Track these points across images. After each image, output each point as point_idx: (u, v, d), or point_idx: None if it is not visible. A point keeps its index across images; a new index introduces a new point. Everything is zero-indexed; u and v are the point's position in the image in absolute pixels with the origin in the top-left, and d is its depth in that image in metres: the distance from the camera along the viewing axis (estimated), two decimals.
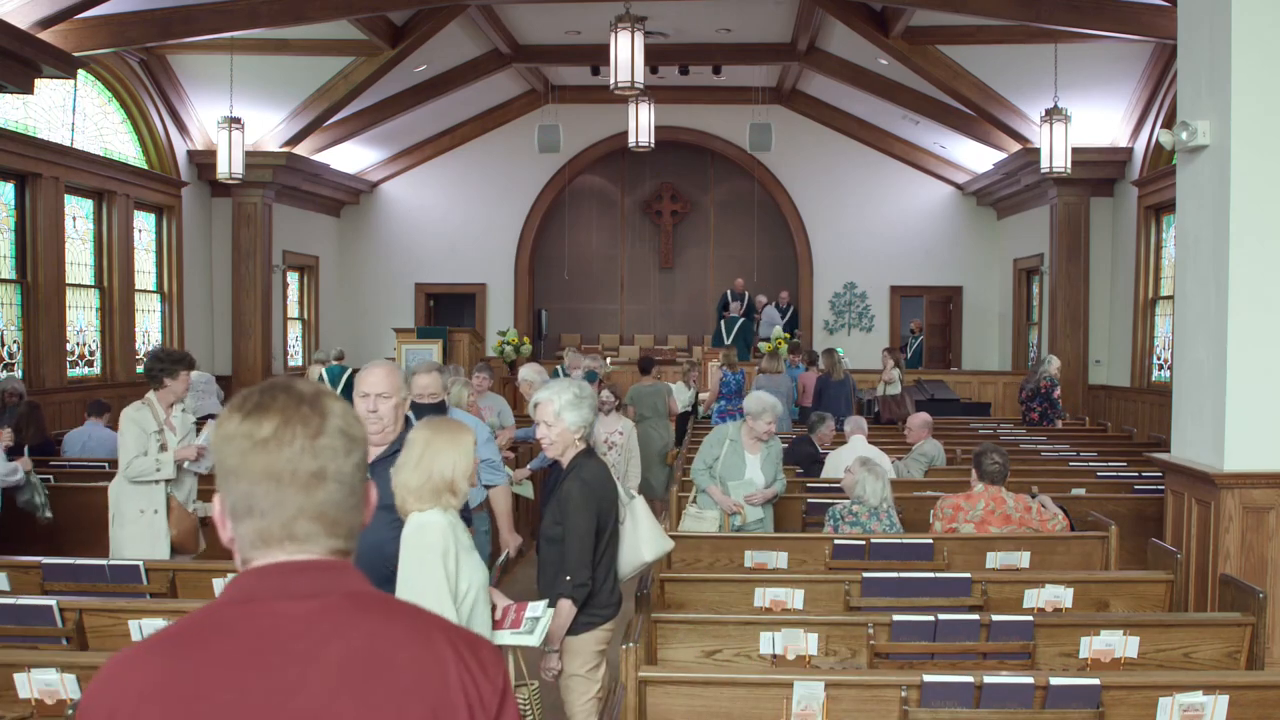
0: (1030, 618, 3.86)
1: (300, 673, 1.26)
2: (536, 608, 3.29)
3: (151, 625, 3.70)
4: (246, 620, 1.29)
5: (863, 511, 5.37)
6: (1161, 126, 11.44)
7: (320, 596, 1.31)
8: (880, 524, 5.34)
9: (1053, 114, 11.24)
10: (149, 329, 13.04)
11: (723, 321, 15.07)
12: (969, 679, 3.13)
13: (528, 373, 7.47)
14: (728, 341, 14.02)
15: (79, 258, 11.55)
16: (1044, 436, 10.02)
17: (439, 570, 2.88)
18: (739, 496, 5.63)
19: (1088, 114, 12.14)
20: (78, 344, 11.50)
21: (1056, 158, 11.27)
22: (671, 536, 4.08)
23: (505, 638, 3.17)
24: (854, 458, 5.95)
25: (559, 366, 10.07)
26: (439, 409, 4.67)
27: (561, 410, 3.62)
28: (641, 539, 3.74)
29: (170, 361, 5.35)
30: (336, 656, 1.28)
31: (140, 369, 12.54)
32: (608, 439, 7.23)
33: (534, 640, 3.19)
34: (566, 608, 3.49)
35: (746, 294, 16.07)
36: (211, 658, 1.27)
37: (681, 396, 10.77)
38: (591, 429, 3.75)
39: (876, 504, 5.38)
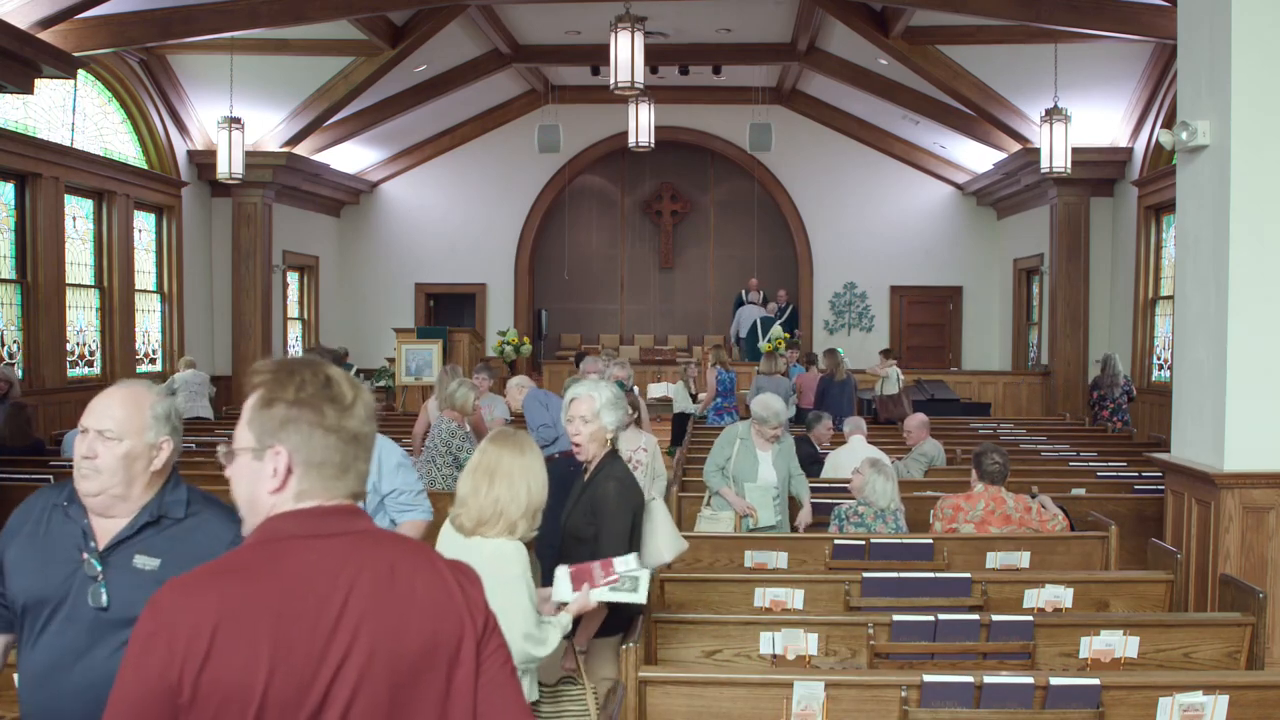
0: (1030, 618, 3.86)
1: (339, 605, 1.50)
2: (628, 561, 3.20)
3: None
4: (293, 557, 1.53)
5: (869, 513, 5.33)
6: (1161, 126, 11.44)
7: (343, 535, 1.56)
8: (886, 526, 5.32)
9: (1053, 114, 11.24)
10: (149, 329, 13.04)
11: (759, 322, 15.00)
12: (969, 679, 3.13)
13: (518, 381, 7.62)
14: (762, 341, 13.97)
15: (79, 258, 11.55)
16: (1044, 436, 10.02)
17: (526, 596, 2.91)
18: (753, 498, 5.62)
19: (1088, 114, 12.14)
20: (78, 344, 11.50)
21: (1056, 158, 11.27)
22: (686, 538, 4.06)
23: (605, 594, 3.12)
24: (863, 458, 5.91)
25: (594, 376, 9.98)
26: None
27: (601, 409, 3.59)
28: (661, 541, 3.70)
29: (336, 359, 5.44)
30: (363, 588, 1.52)
31: (143, 368, 12.54)
32: (631, 457, 6.35)
33: (640, 597, 3.15)
34: (601, 610, 3.42)
35: (763, 293, 16.03)
36: (273, 586, 1.49)
37: (679, 397, 10.75)
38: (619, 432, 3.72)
39: (885, 505, 5.33)
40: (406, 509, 3.90)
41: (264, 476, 1.58)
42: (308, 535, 1.55)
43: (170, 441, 2.34)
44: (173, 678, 1.43)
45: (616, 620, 3.49)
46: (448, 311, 17.60)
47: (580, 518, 3.57)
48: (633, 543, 3.57)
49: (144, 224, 12.90)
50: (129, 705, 1.45)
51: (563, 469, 6.93)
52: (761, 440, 5.68)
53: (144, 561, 2.24)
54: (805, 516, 5.73)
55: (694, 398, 10.76)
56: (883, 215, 17.09)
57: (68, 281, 11.10)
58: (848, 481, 6.01)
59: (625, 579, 3.13)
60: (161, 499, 2.32)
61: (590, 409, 3.59)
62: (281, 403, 1.59)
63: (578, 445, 3.64)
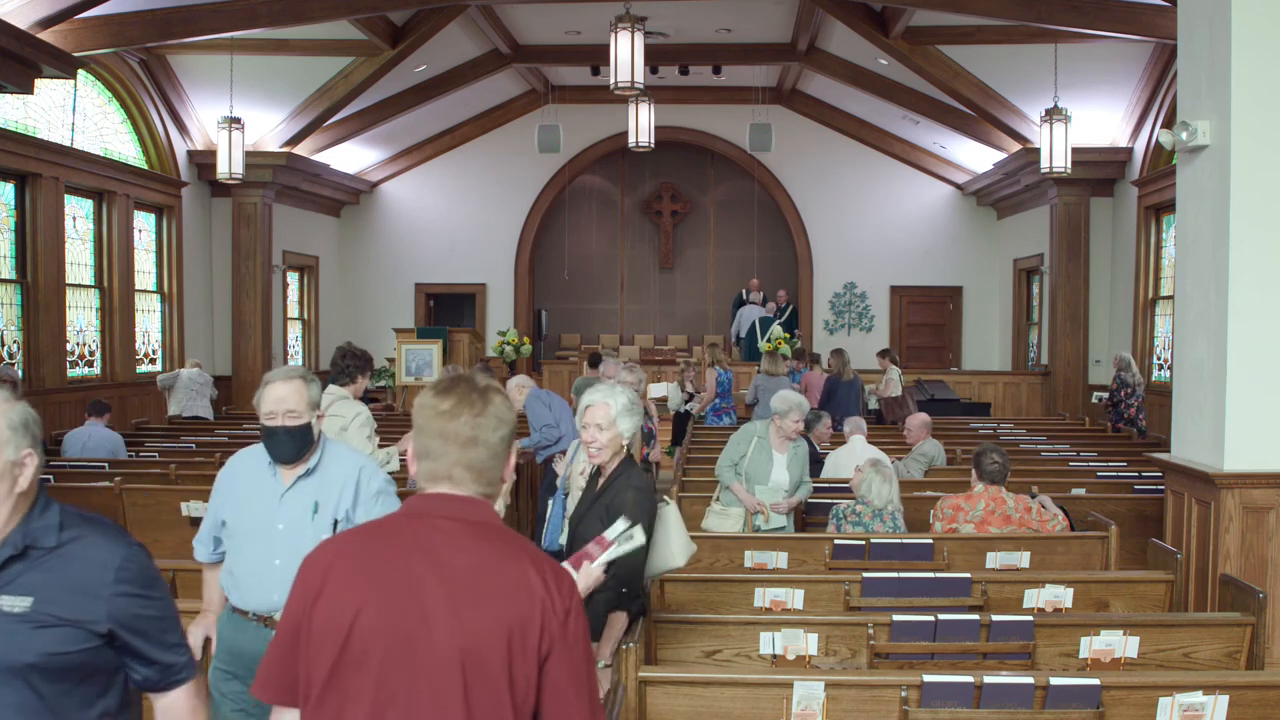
0: (1030, 618, 3.86)
1: (434, 570, 1.78)
2: (616, 527, 3.14)
3: None
4: (404, 526, 1.86)
5: (866, 512, 5.35)
6: (1161, 126, 11.44)
7: (459, 520, 1.84)
8: (884, 526, 5.33)
9: (1053, 114, 11.24)
10: (149, 329, 13.04)
11: (758, 322, 14.97)
12: (969, 679, 3.13)
13: (518, 381, 7.61)
14: (761, 341, 13.95)
15: (79, 258, 11.55)
16: (1044, 436, 10.02)
17: None
18: (763, 497, 5.60)
19: (1088, 114, 12.14)
20: (78, 344, 11.50)
21: (1056, 158, 11.27)
22: (691, 537, 4.05)
23: (606, 557, 3.08)
24: (864, 458, 5.91)
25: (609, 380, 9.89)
26: (303, 436, 3.18)
27: (618, 415, 3.55)
28: (674, 545, 3.67)
29: (364, 360, 5.49)
30: (460, 564, 1.80)
31: (143, 368, 12.54)
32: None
33: (641, 539, 3.10)
34: (622, 620, 3.42)
35: (763, 294, 16.01)
36: (383, 545, 1.84)
37: (675, 397, 10.72)
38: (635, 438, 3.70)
39: (881, 506, 5.35)
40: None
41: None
42: (426, 514, 1.86)
43: (34, 455, 1.99)
44: (301, 611, 1.81)
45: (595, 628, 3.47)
46: (448, 311, 17.60)
47: (595, 524, 3.52)
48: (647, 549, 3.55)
49: (144, 224, 12.90)
50: (280, 633, 1.86)
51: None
52: (779, 440, 5.65)
53: (11, 602, 1.93)
54: (783, 505, 5.64)
55: (691, 397, 10.76)
56: (883, 215, 17.09)
57: (68, 281, 11.10)
58: (847, 481, 6.00)
59: (620, 539, 3.08)
60: (26, 527, 1.96)
61: (606, 416, 3.55)
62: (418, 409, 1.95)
63: (594, 453, 3.60)
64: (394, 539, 1.85)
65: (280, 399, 3.14)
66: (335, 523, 3.16)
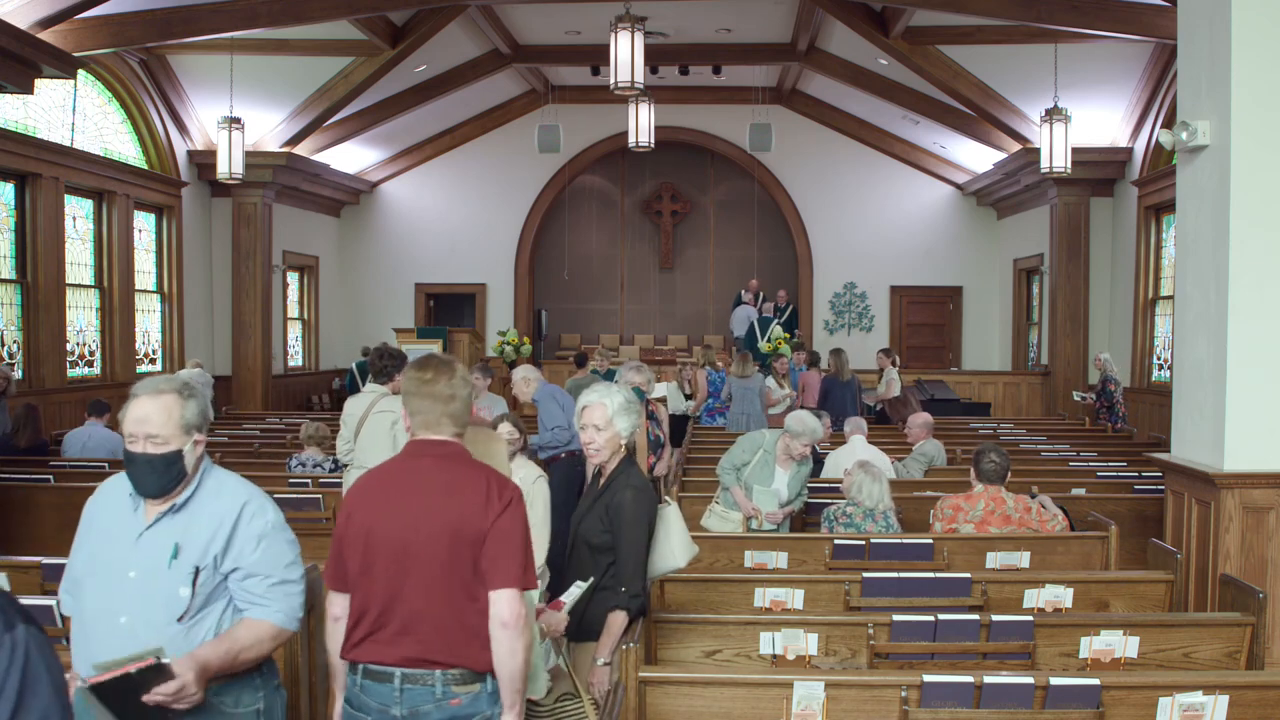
0: (1030, 618, 3.86)
1: (419, 489, 2.70)
2: (572, 593, 3.33)
3: None
4: (403, 464, 2.78)
5: (858, 513, 5.36)
6: (1161, 126, 11.44)
7: (439, 455, 2.74)
8: (876, 525, 5.34)
9: (1053, 114, 11.24)
10: (149, 329, 13.04)
11: (757, 322, 14.96)
12: (969, 679, 3.13)
13: (525, 371, 7.43)
14: (762, 341, 13.97)
15: (79, 258, 11.55)
16: (1044, 436, 10.02)
17: None
18: (763, 501, 5.61)
19: (1088, 114, 12.14)
20: (78, 344, 11.50)
21: (1056, 158, 11.27)
22: (691, 537, 4.05)
23: (569, 605, 3.34)
24: (853, 459, 5.92)
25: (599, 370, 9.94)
26: (167, 467, 2.55)
27: (615, 415, 3.55)
28: (675, 546, 3.66)
29: (401, 359, 5.91)
30: (439, 481, 2.70)
31: (143, 368, 12.53)
32: None
33: (584, 588, 3.35)
34: (622, 620, 3.41)
35: (759, 294, 16.00)
36: (384, 480, 2.76)
37: (674, 398, 10.71)
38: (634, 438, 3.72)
39: (873, 506, 5.35)
40: (255, 602, 2.60)
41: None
42: (413, 455, 2.76)
43: None
44: (343, 526, 2.73)
45: (594, 628, 3.48)
46: (448, 311, 17.60)
47: (595, 524, 3.53)
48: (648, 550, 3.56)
49: (144, 224, 12.90)
50: (333, 541, 2.76)
51: (567, 469, 6.88)
52: (784, 457, 5.63)
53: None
54: (777, 515, 5.63)
55: (688, 397, 10.79)
56: (883, 215, 17.09)
57: (68, 281, 11.10)
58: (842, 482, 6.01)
59: (569, 601, 3.36)
60: None
61: (603, 416, 3.55)
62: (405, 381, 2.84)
63: (593, 454, 3.60)
64: (397, 473, 2.75)
65: (141, 419, 2.54)
66: (196, 570, 2.53)
